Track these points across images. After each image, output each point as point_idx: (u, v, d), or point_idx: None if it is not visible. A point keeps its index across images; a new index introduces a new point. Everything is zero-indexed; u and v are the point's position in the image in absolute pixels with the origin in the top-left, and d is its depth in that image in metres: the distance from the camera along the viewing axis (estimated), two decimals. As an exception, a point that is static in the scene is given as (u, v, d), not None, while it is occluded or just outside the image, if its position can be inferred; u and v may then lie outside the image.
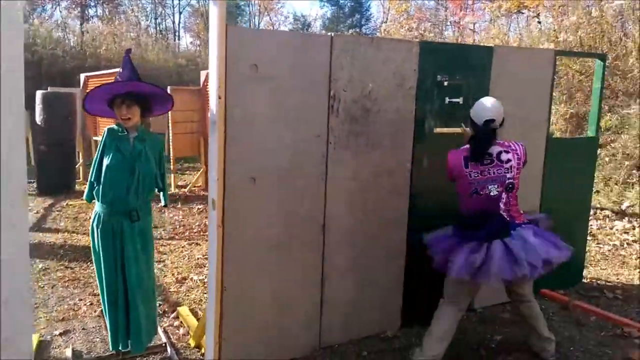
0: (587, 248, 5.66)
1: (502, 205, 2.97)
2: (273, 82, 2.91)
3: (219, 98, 2.71)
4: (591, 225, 6.44)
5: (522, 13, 9.80)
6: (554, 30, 9.29)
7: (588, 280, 4.68)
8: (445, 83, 3.47)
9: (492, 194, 2.93)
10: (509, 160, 2.96)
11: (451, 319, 3.10)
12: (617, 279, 4.75)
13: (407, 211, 3.53)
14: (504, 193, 2.95)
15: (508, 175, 2.95)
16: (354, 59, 3.16)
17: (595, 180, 7.54)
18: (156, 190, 3.11)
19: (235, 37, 2.73)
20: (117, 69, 3.28)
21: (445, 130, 3.51)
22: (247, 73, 2.83)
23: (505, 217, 2.98)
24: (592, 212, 6.86)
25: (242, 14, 31.13)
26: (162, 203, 3.22)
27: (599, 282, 4.65)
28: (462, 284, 3.01)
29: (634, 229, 6.26)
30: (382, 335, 3.55)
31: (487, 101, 3.03)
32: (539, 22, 9.68)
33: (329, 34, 3.08)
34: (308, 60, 3.01)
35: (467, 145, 3.01)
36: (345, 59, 3.13)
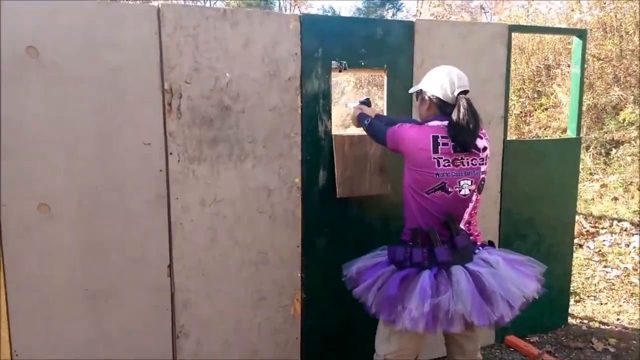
0: (592, 272, 4.62)
1: (467, 214, 2.09)
2: (67, 71, 2.09)
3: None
4: (603, 241, 5.35)
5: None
6: (572, 10, 8.09)
7: (578, 321, 3.65)
8: (342, 71, 2.56)
9: (462, 192, 2.04)
10: (485, 149, 2.10)
11: None
12: (618, 319, 3.69)
13: (300, 244, 2.64)
14: (475, 194, 2.08)
15: (482, 169, 2.10)
16: (199, 39, 2.29)
17: (614, 186, 6.39)
18: None
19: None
20: None
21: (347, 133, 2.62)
22: (22, 59, 2.02)
23: (466, 231, 2.10)
24: (607, 223, 5.75)
25: (270, 7, 30.28)
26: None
27: (591, 323, 3.60)
28: (413, 336, 2.07)
29: (655, 246, 5.10)
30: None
31: (452, 68, 2.12)
32: None
33: (156, 3, 2.22)
34: (124, 40, 2.17)
35: (439, 122, 2.06)
36: (184, 39, 2.27)
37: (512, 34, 2.98)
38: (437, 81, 2.09)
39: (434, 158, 2.00)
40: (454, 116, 2.00)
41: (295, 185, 2.58)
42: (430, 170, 2.00)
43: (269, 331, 2.64)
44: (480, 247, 2.15)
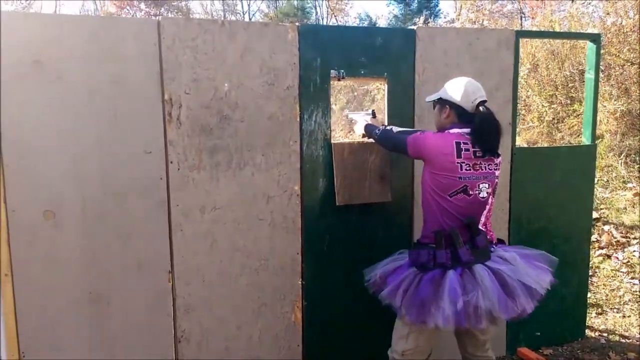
0: (618, 284, 4.46)
1: (483, 216, 2.22)
2: (68, 84, 2.19)
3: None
4: (634, 251, 5.15)
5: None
6: (607, 14, 7.84)
7: (597, 333, 3.52)
8: (341, 80, 2.59)
9: (481, 195, 2.19)
10: (498, 155, 2.24)
11: None
12: (640, 332, 3.55)
13: (300, 251, 2.67)
14: (490, 197, 2.24)
15: (496, 174, 2.25)
16: (198, 51, 2.36)
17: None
18: None
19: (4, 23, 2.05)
20: None
21: (346, 140, 2.64)
22: (27, 72, 2.13)
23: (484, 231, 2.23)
24: (639, 234, 5.53)
25: (308, 17, 30.44)
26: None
27: (611, 336, 3.47)
28: (429, 334, 2.21)
29: (690, 258, 4.87)
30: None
31: (470, 79, 2.27)
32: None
33: (156, 17, 2.31)
34: (126, 53, 2.26)
35: (458, 129, 2.19)
36: (184, 51, 2.34)
37: (525, 40, 2.93)
38: (458, 90, 2.20)
39: (458, 163, 2.11)
40: (479, 124, 2.13)
41: (295, 193, 2.61)
42: (454, 174, 2.12)
43: (270, 338, 2.67)
44: (494, 246, 2.26)
